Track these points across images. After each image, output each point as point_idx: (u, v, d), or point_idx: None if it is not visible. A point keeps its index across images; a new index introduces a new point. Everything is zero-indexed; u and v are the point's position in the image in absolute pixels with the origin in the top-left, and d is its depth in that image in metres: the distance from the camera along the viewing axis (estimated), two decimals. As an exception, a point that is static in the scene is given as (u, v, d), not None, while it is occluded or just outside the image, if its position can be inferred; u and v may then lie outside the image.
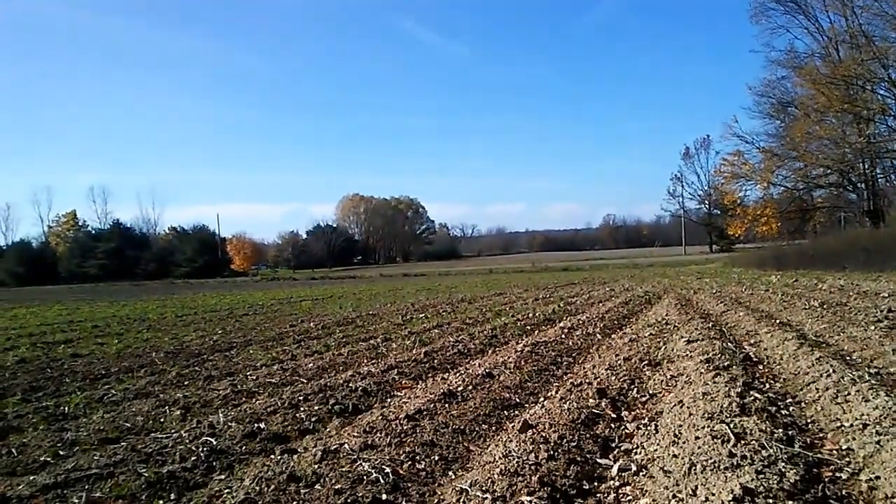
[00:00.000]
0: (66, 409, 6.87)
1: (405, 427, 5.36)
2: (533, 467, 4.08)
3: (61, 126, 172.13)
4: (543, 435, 4.74)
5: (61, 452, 5.18)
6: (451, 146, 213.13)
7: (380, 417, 5.72)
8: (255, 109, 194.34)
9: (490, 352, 9.88)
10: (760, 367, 7.34)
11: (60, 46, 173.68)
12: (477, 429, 5.48)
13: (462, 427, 5.46)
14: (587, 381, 6.93)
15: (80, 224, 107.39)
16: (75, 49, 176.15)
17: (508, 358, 8.61)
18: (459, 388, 6.78)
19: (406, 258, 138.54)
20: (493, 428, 5.56)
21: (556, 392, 6.58)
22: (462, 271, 65.98)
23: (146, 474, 4.44)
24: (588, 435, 4.95)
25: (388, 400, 6.77)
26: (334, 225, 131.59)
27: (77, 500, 4.02)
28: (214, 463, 4.75)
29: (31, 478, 4.52)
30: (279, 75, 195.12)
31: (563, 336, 10.78)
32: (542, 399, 6.48)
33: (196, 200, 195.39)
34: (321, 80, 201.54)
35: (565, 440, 4.69)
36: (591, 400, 5.98)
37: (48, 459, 5.02)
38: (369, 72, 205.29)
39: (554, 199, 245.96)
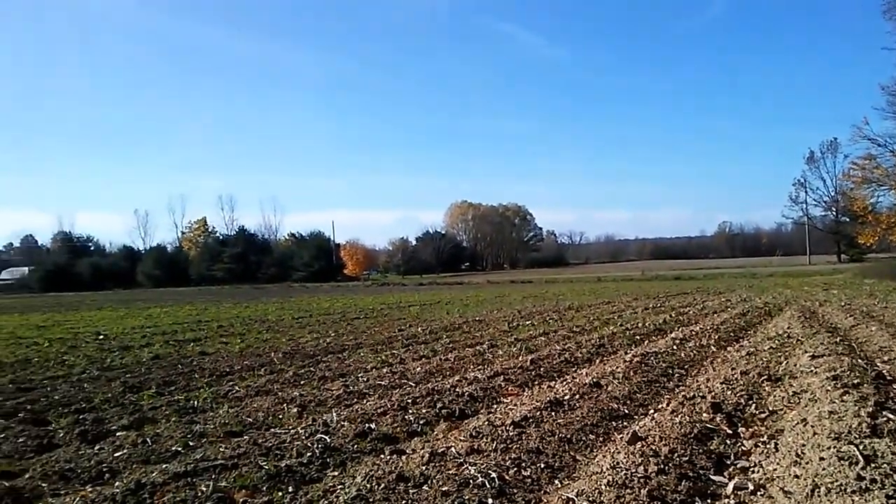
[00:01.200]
0: (195, 402, 7.38)
1: (511, 433, 5.37)
2: (642, 480, 3.99)
3: (194, 138, 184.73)
4: (653, 448, 4.61)
5: (191, 443, 5.58)
6: (558, 152, 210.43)
7: (486, 423, 5.76)
8: (367, 118, 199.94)
9: (597, 361, 9.71)
10: (895, 386, 6.80)
11: (194, 66, 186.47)
12: (584, 438, 5.41)
13: (568, 436, 5.40)
14: (700, 394, 6.68)
15: (209, 230, 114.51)
16: (206, 68, 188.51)
17: (616, 368, 8.43)
18: (566, 397, 6.71)
19: (513, 265, 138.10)
20: (601, 438, 5.47)
21: (667, 405, 6.39)
22: (569, 279, 64.97)
23: (266, 467, 4.70)
24: (701, 450, 4.77)
25: (494, 406, 6.80)
26: (443, 231, 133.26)
27: (205, 489, 4.30)
28: (328, 459, 4.95)
29: (164, 466, 4.88)
30: (391, 84, 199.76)
31: (675, 347, 10.42)
32: (651, 411, 6.31)
33: (313, 207, 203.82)
34: (430, 88, 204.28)
35: (676, 454, 4.55)
36: (704, 414, 5.76)
37: (179, 449, 5.41)
38: (477, 77, 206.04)
39: (664, 206, 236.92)
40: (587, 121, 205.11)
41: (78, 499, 4.19)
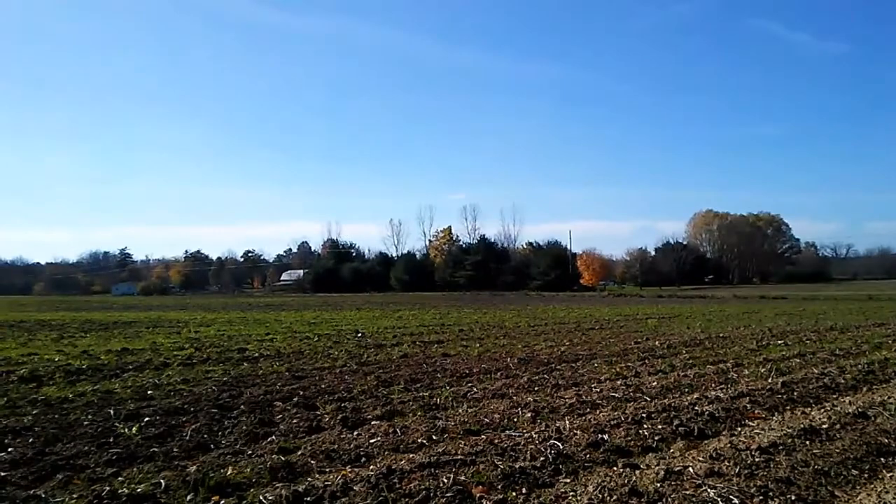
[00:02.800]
0: (438, 400, 7.91)
1: (757, 459, 5.02)
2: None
3: (439, 152, 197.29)
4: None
5: (433, 437, 6.01)
6: (818, 156, 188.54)
7: (728, 445, 5.45)
8: (607, 128, 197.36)
9: (864, 389, 8.59)
10: None
11: (441, 82, 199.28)
12: (844, 473, 4.86)
13: (826, 469, 4.90)
14: None
15: (453, 239, 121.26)
16: (449, 84, 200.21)
17: (889, 398, 7.40)
18: (824, 426, 6.08)
19: (764, 279, 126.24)
20: (865, 475, 4.87)
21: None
22: (832, 296, 57.70)
23: (502, 466, 4.92)
24: None
25: (738, 428, 6.37)
26: (684, 242, 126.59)
27: (446, 480, 4.63)
28: (560, 466, 5.04)
29: (411, 455, 5.35)
30: (631, 92, 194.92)
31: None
32: (934, 451, 5.45)
33: (551, 217, 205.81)
34: (671, 93, 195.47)
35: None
36: None
37: (423, 442, 5.86)
38: (731, 79, 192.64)
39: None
40: (859, 120, 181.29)
41: (339, 477, 4.75)
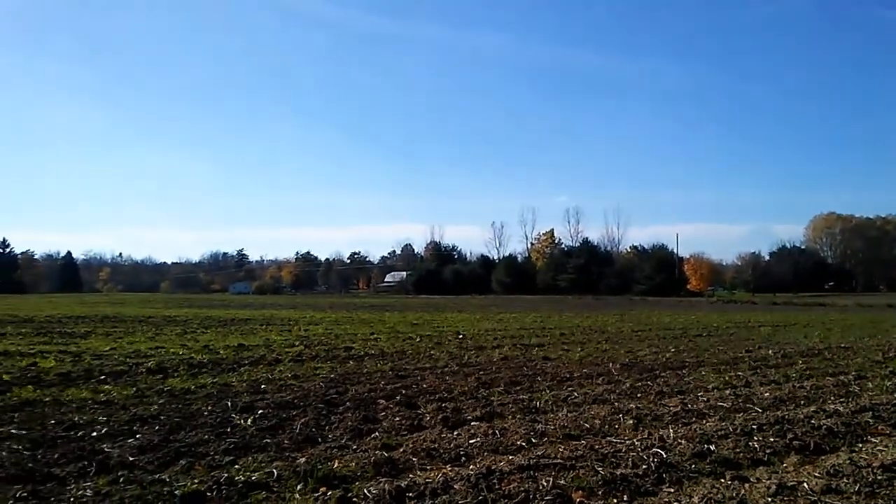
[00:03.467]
0: (538, 403, 7.90)
1: (879, 477, 4.73)
2: None
3: (542, 154, 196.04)
4: None
5: (533, 440, 6.03)
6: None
7: (847, 462, 5.16)
8: (715, 129, 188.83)
9: None
10: None
11: (545, 83, 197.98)
12: (979, 497, 4.49)
13: (960, 493, 4.53)
14: None
15: (555, 242, 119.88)
16: (553, 84, 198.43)
17: None
18: (960, 447, 5.61)
19: (892, 287, 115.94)
20: None
21: None
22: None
23: (602, 472, 4.88)
24: None
25: (859, 444, 6.00)
26: (802, 246, 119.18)
27: (545, 484, 4.64)
28: (664, 475, 4.93)
29: (510, 457, 5.40)
30: (736, 88, 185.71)
31: None
32: None
33: (656, 220, 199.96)
34: (783, 87, 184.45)
35: None
36: None
37: (523, 444, 5.89)
38: (840, 71, 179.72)
39: None
40: None
41: (440, 475, 4.86)
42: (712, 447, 5.67)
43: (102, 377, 9.68)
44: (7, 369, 10.32)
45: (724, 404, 7.83)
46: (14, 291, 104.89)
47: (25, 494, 4.36)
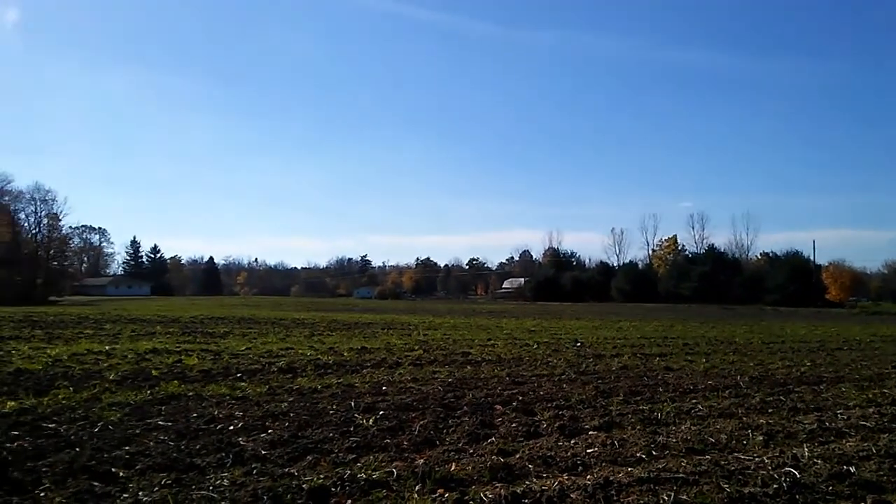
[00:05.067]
0: (659, 415, 7.66)
1: None
2: None
3: (665, 158, 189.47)
4: None
5: (654, 452, 5.86)
6: None
7: None
8: (857, 128, 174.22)
9: None
10: None
11: (668, 84, 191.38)
12: None
13: None
14: None
15: (679, 248, 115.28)
16: (677, 85, 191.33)
17: None
18: None
19: None
20: None
21: None
22: None
23: (728, 490, 4.67)
24: None
25: None
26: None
27: (666, 498, 4.51)
28: (797, 496, 4.65)
29: (629, 469, 5.27)
30: (877, 84, 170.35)
31: None
32: None
33: (791, 226, 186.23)
34: None
35: None
36: None
37: (643, 456, 5.73)
38: None
39: None
40: None
41: (556, 483, 4.84)
42: (852, 468, 5.27)
43: (239, 375, 10.37)
44: (156, 365, 11.29)
45: (867, 423, 7.26)
46: (163, 293, 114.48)
47: (170, 482, 4.75)
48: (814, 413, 7.99)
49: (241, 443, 5.91)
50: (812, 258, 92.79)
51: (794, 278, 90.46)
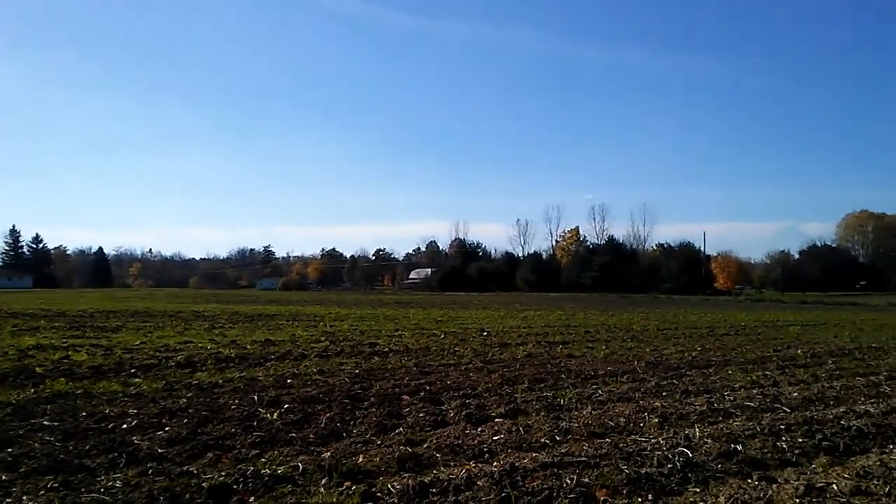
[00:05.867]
0: (562, 401, 7.88)
1: (911, 479, 4.64)
2: None
3: (568, 152, 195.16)
4: None
5: (557, 438, 6.02)
6: None
7: (877, 463, 5.08)
8: (744, 123, 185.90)
9: None
10: None
11: (570, 81, 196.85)
12: None
13: None
14: None
15: (581, 239, 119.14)
16: (578, 82, 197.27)
17: None
18: None
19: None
20: None
21: None
22: None
23: (627, 471, 4.86)
24: None
25: (890, 446, 5.91)
26: (833, 245, 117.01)
27: (569, 481, 4.63)
28: (689, 474, 4.89)
29: (534, 454, 5.40)
30: (766, 84, 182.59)
31: None
32: None
33: (683, 218, 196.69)
34: (810, 84, 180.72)
35: None
36: None
37: (547, 441, 5.88)
38: (869, 66, 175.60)
39: None
40: None
41: (464, 471, 4.88)
42: (739, 447, 5.61)
43: (133, 371, 9.86)
44: (40, 362, 10.56)
45: (752, 404, 7.75)
46: (47, 286, 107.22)
47: (56, 485, 4.46)
48: (704, 395, 8.44)
49: (136, 442, 5.63)
50: (702, 249, 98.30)
51: (686, 268, 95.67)
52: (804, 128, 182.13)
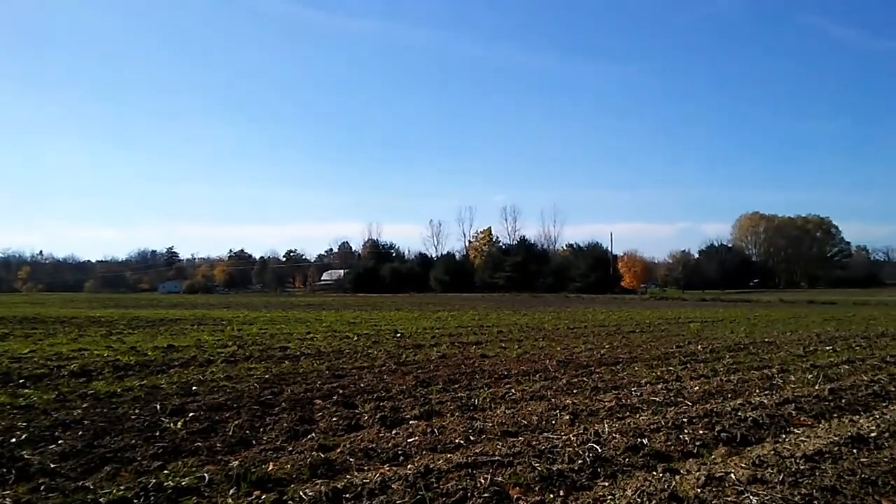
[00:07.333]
0: (476, 401, 7.91)
1: (801, 467, 4.93)
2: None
3: (480, 153, 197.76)
4: None
5: (471, 438, 6.03)
6: (871, 157, 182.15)
7: (771, 452, 5.35)
8: (650, 127, 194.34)
9: (919, 397, 8.32)
10: None
11: (483, 83, 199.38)
12: (893, 483, 4.73)
13: (873, 478, 4.77)
14: None
15: (493, 240, 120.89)
16: (491, 84, 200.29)
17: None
18: (872, 434, 5.94)
19: (812, 283, 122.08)
20: (916, 485, 4.72)
21: None
22: (884, 301, 55.54)
23: (539, 468, 4.92)
24: None
25: (783, 435, 6.25)
26: (729, 244, 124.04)
27: (483, 481, 4.65)
28: (599, 469, 5.01)
29: (449, 455, 5.38)
30: (669, 88, 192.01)
31: None
32: None
33: (592, 219, 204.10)
34: (713, 91, 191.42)
35: None
36: None
37: (461, 442, 5.88)
38: (778, 75, 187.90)
39: None
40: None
41: (378, 475, 4.80)
42: (645, 441, 5.79)
43: (21, 381, 9.18)
44: (-86, 374, 9.68)
45: (657, 399, 8.03)
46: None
47: (-67, 507, 4.09)
48: (612, 391, 8.68)
49: (26, 456, 5.23)
50: (610, 249, 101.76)
51: (594, 267, 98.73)
52: (703, 131, 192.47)
